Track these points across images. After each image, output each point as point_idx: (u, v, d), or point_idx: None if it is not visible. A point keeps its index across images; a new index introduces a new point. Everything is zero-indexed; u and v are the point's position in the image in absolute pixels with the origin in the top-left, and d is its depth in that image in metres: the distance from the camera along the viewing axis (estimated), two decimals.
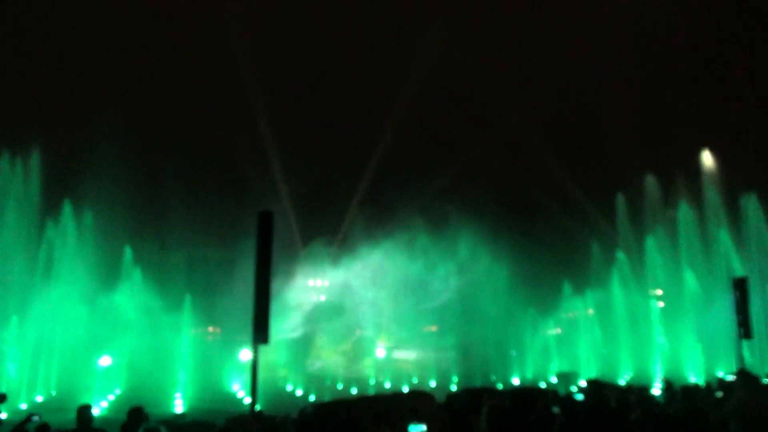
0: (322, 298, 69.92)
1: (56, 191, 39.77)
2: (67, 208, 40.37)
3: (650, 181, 51.79)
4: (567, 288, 58.86)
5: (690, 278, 47.21)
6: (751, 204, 44.75)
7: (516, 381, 50.24)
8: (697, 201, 48.25)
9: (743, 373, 8.12)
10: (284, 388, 49.94)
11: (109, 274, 45.09)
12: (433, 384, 44.71)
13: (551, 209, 69.11)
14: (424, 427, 10.26)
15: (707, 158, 47.41)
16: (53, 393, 37.55)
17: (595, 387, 6.68)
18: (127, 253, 46.88)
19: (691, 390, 9.11)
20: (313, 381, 51.96)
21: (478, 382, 43.13)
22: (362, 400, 19.46)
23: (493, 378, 48.01)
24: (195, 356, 48.89)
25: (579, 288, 57.25)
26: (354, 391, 44.76)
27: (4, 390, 30.78)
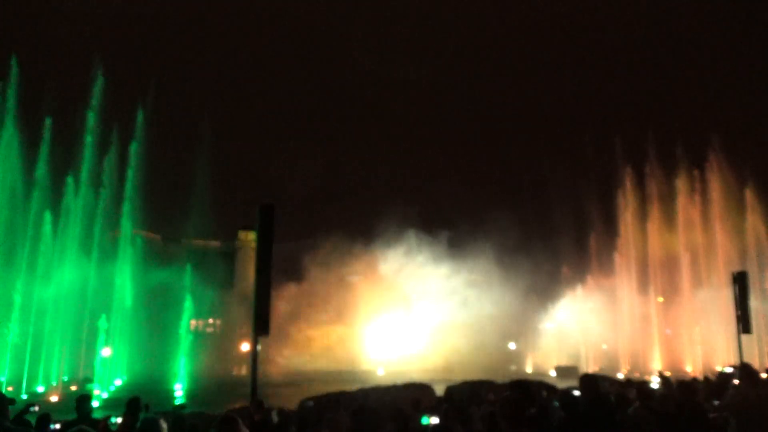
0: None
1: (58, 174, 39.59)
2: (69, 190, 40.01)
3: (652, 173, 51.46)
4: (567, 282, 58.83)
5: (690, 272, 47.19)
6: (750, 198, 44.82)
7: (515, 375, 50.27)
8: (700, 194, 48.07)
9: (744, 367, 8.08)
10: None
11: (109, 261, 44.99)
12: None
13: (552, 201, 68.94)
14: (436, 419, 10.19)
15: (713, 149, 47.03)
16: (54, 383, 37.65)
17: (589, 382, 6.63)
18: (130, 240, 46.85)
19: (689, 384, 9.10)
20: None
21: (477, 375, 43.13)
22: (362, 393, 19.44)
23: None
24: (195, 347, 49.04)
25: (579, 282, 57.22)
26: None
27: None
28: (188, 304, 48.88)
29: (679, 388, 8.87)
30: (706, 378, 16.09)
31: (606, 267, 54.14)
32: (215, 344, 58.65)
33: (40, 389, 34.99)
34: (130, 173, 45.10)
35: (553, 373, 49.89)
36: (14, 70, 38.38)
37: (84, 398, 8.48)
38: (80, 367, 39.83)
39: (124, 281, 45.39)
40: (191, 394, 36.50)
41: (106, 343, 39.17)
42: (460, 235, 63.75)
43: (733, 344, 22.12)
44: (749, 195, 45.64)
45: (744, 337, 18.70)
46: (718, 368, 27.01)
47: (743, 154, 45.86)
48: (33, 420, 8.73)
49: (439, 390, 20.08)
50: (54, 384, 37.06)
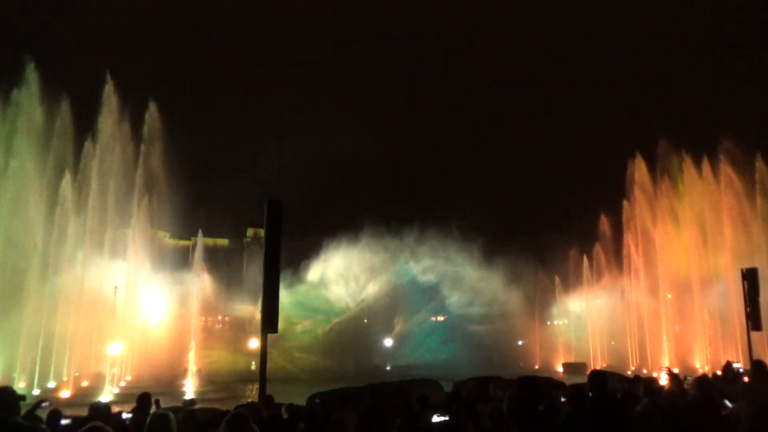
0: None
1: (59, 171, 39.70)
2: (66, 183, 40.05)
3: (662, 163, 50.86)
4: (575, 280, 58.57)
5: (699, 268, 46.77)
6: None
7: (523, 371, 50.19)
8: (709, 190, 47.51)
9: (756, 365, 7.97)
10: None
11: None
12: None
13: (558, 197, 68.56)
14: (445, 417, 10.16)
15: (724, 143, 46.35)
16: (65, 379, 37.92)
17: (598, 378, 6.59)
18: (141, 238, 47.08)
19: (706, 380, 8.99)
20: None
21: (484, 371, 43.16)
22: (370, 389, 19.40)
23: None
24: (205, 343, 49.27)
25: (587, 280, 56.95)
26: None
27: None
28: (198, 301, 49.16)
29: (696, 383, 8.80)
30: (714, 375, 15.98)
31: (615, 264, 53.82)
32: (225, 340, 59.01)
33: (51, 385, 35.24)
34: (140, 171, 45.32)
35: (561, 370, 49.81)
36: (30, 70, 38.55)
37: (104, 406, 8.61)
38: (91, 363, 40.13)
39: (135, 277, 45.62)
40: (201, 390, 36.69)
41: (117, 339, 39.43)
42: (468, 235, 63.66)
43: (743, 341, 21.97)
44: (759, 190, 45.13)
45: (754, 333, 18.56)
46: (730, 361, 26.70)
47: (753, 149, 45.19)
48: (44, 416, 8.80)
49: (447, 386, 20.07)
50: (65, 380, 37.37)
